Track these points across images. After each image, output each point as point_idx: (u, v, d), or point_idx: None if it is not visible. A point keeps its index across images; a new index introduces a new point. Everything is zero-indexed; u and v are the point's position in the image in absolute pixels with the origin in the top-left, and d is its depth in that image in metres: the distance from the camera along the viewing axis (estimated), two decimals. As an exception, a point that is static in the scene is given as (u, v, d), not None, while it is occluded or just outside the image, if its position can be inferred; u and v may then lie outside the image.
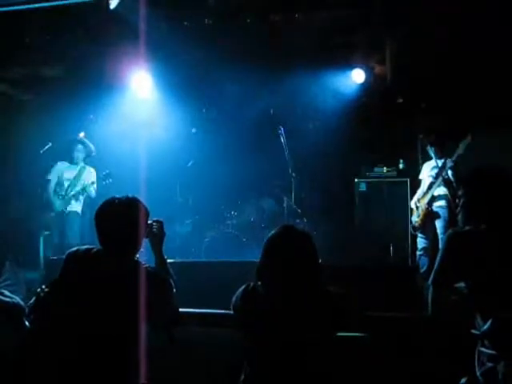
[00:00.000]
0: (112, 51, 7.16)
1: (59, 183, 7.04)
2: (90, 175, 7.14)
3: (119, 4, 6.17)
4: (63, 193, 6.96)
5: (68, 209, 6.94)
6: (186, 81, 8.00)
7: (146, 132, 7.89)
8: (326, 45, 7.44)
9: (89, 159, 7.30)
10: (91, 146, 7.26)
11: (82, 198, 7.02)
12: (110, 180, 6.92)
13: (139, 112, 8.16)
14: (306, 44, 7.31)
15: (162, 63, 7.68)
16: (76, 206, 7.01)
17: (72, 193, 6.94)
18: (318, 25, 7.01)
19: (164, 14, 6.73)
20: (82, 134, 7.52)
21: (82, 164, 7.18)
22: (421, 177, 6.65)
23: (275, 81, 7.56)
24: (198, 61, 7.57)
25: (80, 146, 7.18)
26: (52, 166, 7.12)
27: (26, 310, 2.86)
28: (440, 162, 6.25)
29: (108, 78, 7.69)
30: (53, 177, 7.06)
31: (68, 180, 7.04)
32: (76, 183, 7.01)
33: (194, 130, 8.23)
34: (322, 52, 7.53)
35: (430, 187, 6.36)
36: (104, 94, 7.74)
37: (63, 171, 7.10)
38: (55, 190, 7.00)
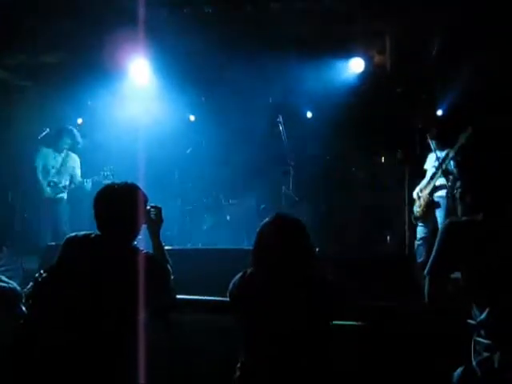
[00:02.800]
0: (111, 37, 7.11)
1: (44, 170, 7.01)
2: (74, 161, 7.18)
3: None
4: (54, 179, 6.97)
5: (58, 195, 7.00)
6: (185, 68, 7.96)
7: (144, 119, 7.87)
8: (325, 33, 7.40)
9: (76, 148, 7.29)
10: (78, 138, 7.23)
11: (70, 186, 7.11)
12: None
13: (138, 99, 8.13)
14: (305, 32, 7.28)
15: (161, 50, 7.64)
16: (65, 194, 7.09)
17: (61, 184, 6.99)
18: (318, 13, 6.96)
19: (164, 1, 6.69)
20: (79, 121, 7.48)
21: (65, 152, 7.17)
22: (425, 167, 6.66)
23: (274, 69, 7.53)
24: (197, 48, 7.53)
25: (67, 138, 7.13)
26: (37, 151, 7.07)
27: (23, 296, 2.86)
28: (441, 154, 6.25)
29: (107, 65, 7.64)
30: (38, 163, 7.01)
31: (54, 168, 7.03)
32: (63, 171, 7.05)
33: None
34: (321, 40, 7.49)
35: (432, 178, 6.37)
36: (103, 81, 7.71)
37: (48, 158, 7.07)
38: (43, 177, 6.99)
